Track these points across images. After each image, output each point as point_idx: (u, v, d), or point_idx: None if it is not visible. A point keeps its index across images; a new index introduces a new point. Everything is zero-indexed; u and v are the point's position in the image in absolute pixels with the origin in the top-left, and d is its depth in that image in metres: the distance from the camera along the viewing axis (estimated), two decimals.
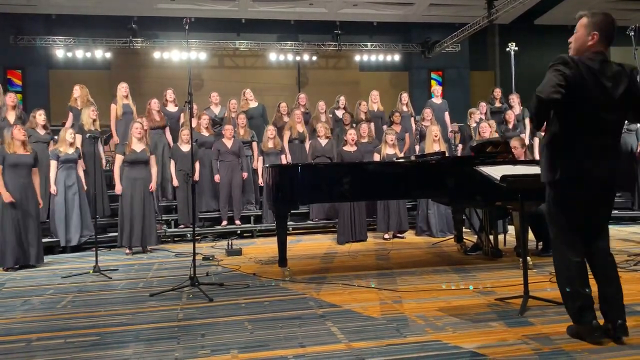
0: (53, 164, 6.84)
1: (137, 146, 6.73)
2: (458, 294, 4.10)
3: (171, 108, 8.55)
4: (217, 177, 7.87)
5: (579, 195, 2.87)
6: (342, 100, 9.21)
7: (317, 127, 8.13)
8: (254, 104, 8.97)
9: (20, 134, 5.91)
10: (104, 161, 7.66)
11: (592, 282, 2.92)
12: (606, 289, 2.87)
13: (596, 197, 2.89)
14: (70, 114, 7.94)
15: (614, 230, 7.27)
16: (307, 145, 8.38)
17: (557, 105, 2.79)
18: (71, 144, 6.93)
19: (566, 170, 2.84)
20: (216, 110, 8.95)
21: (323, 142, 7.95)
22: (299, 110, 8.62)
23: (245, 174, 8.02)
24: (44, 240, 6.49)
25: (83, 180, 7.03)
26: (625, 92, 2.82)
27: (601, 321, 2.89)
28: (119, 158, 6.77)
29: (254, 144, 8.30)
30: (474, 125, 8.42)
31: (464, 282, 4.50)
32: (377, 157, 7.39)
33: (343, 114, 8.94)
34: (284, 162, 8.03)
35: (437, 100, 9.44)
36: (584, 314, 2.86)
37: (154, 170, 6.90)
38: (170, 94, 8.55)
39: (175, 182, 7.74)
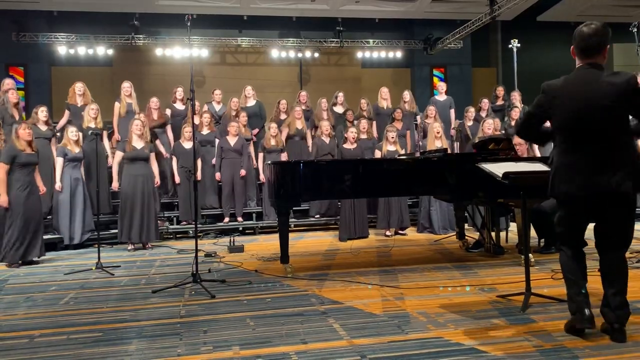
0: (59, 161, 6.85)
1: (138, 143, 6.75)
2: (460, 291, 4.10)
3: (179, 105, 8.56)
4: (217, 175, 7.88)
5: (571, 208, 2.95)
6: (340, 96, 9.21)
7: (320, 125, 8.14)
8: (251, 102, 8.96)
9: (26, 134, 5.92)
10: (110, 158, 7.64)
11: (594, 279, 2.93)
12: (608, 292, 2.88)
13: (591, 210, 2.90)
14: (68, 112, 7.85)
15: None
16: (308, 142, 8.40)
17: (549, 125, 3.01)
18: (76, 142, 6.95)
19: (554, 188, 2.95)
20: (217, 107, 8.96)
21: (326, 140, 7.95)
22: (299, 107, 8.62)
23: (243, 172, 8.00)
24: (47, 237, 6.52)
25: (83, 178, 7.03)
26: (613, 101, 2.75)
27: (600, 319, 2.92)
28: (118, 154, 6.80)
29: (251, 142, 8.31)
30: (469, 123, 8.41)
31: (465, 279, 4.51)
32: (378, 154, 7.39)
33: (344, 110, 8.93)
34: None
35: (440, 97, 9.43)
36: (578, 308, 2.91)
37: (154, 167, 6.93)
38: (180, 92, 8.56)
39: (177, 179, 7.76)
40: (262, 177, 8.11)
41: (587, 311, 2.87)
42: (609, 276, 2.90)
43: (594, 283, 3.07)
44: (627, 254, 5.06)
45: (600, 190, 2.79)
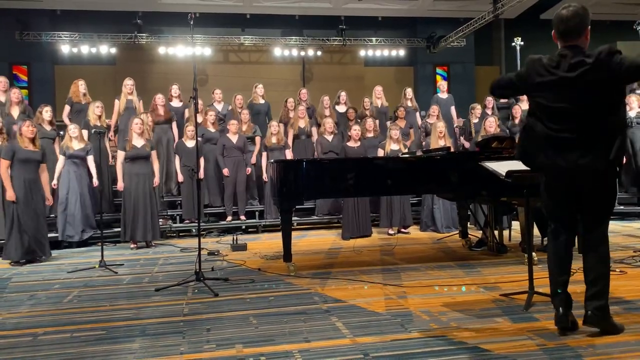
0: (61, 159, 6.86)
1: (138, 142, 6.75)
2: (461, 289, 4.10)
3: (176, 103, 8.57)
4: (225, 171, 7.84)
5: (551, 185, 2.97)
6: (342, 95, 9.20)
7: (323, 123, 8.13)
8: (261, 101, 8.97)
9: (28, 131, 5.93)
10: (110, 157, 7.67)
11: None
12: (585, 279, 2.91)
13: (568, 188, 2.90)
14: (69, 107, 7.88)
15: (618, 226, 7.25)
16: (313, 140, 8.39)
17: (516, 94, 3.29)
18: (76, 139, 6.93)
19: (534, 160, 2.95)
20: (219, 107, 8.96)
21: (329, 137, 7.94)
22: (302, 106, 8.62)
23: (249, 169, 8.03)
24: (50, 235, 6.53)
25: (94, 176, 6.99)
26: (592, 79, 2.72)
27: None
28: (120, 154, 6.80)
29: (257, 139, 8.30)
30: (475, 120, 8.40)
31: (469, 278, 4.51)
32: (381, 153, 7.38)
33: (347, 109, 8.93)
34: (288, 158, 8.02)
35: (443, 95, 9.42)
36: (555, 301, 2.97)
37: (156, 165, 6.91)
38: (175, 90, 8.56)
39: (180, 178, 7.75)
40: (264, 176, 8.07)
41: (560, 310, 2.92)
42: (586, 264, 2.91)
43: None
44: (631, 253, 5.06)
45: (571, 166, 2.79)
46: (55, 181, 6.80)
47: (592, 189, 2.85)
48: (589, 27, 2.86)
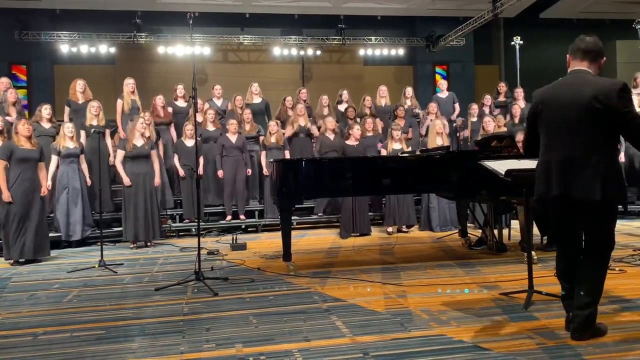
0: (54, 159, 6.83)
1: (138, 141, 6.75)
2: (462, 289, 4.10)
3: (181, 103, 8.56)
4: (220, 173, 7.86)
5: (550, 208, 3.02)
6: (345, 94, 9.19)
7: (324, 122, 8.12)
8: (257, 99, 8.97)
9: (24, 129, 5.92)
10: (111, 157, 7.64)
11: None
12: (575, 289, 2.91)
13: (566, 213, 2.94)
14: (68, 108, 7.84)
15: (618, 224, 7.22)
16: (314, 135, 8.38)
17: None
18: (71, 138, 6.90)
19: (536, 190, 3.03)
20: (218, 102, 8.96)
21: (331, 136, 7.93)
22: (301, 104, 8.61)
23: (249, 171, 8.02)
24: (50, 235, 6.51)
25: (87, 175, 7.00)
26: (594, 101, 2.72)
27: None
28: (120, 153, 6.80)
29: (261, 139, 8.29)
30: (473, 119, 8.40)
31: (468, 277, 4.51)
32: (384, 153, 7.39)
33: (346, 108, 8.93)
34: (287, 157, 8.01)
35: (442, 94, 9.41)
36: (565, 307, 3.01)
37: (156, 164, 6.91)
38: (180, 89, 8.57)
39: (182, 172, 7.72)
40: (265, 171, 8.02)
41: (570, 315, 2.94)
42: (579, 276, 2.89)
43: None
44: (630, 252, 5.06)
45: (570, 195, 2.81)
46: (49, 182, 6.64)
47: (585, 217, 2.89)
48: (604, 59, 2.92)
